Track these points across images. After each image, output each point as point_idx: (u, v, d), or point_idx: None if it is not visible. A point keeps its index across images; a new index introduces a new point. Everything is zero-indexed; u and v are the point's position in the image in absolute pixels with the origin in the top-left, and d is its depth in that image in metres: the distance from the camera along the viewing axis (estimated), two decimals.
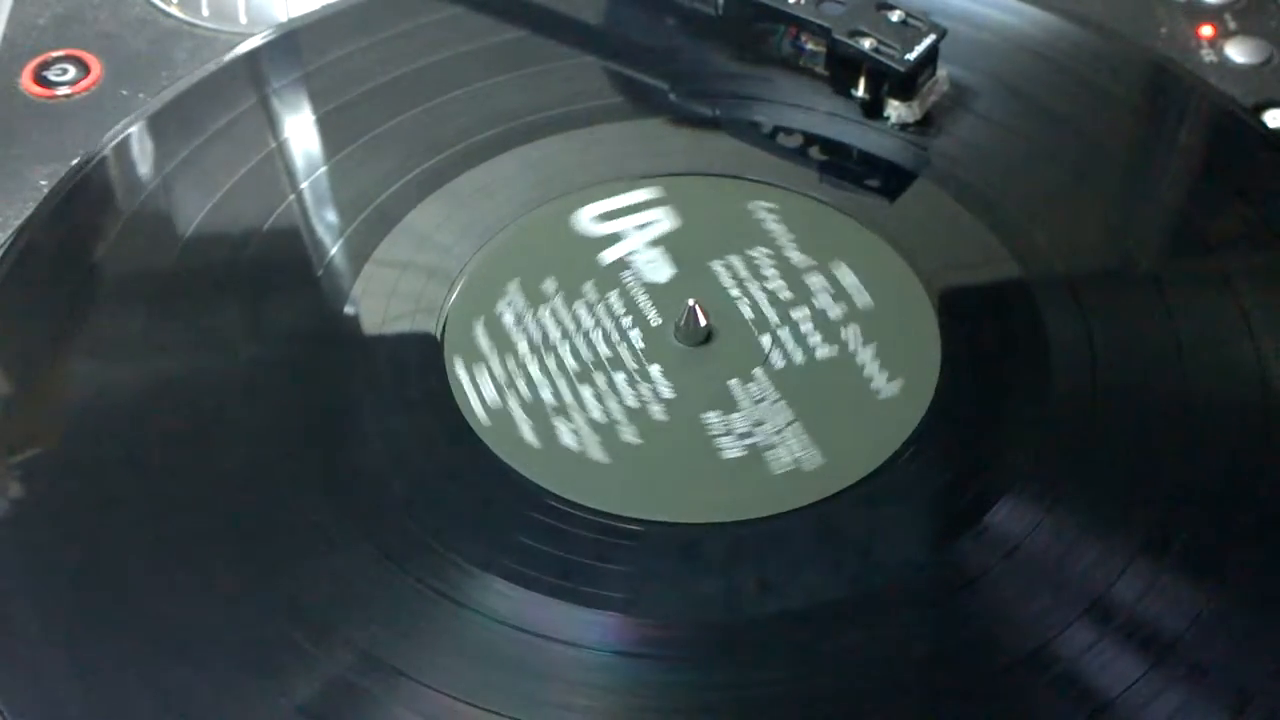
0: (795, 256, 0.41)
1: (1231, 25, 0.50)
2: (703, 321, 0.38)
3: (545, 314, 0.39)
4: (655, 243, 0.41)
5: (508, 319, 0.38)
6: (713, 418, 0.36)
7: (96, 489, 0.34)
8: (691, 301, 0.38)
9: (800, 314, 0.39)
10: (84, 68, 0.47)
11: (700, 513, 0.34)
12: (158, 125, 0.44)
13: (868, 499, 0.35)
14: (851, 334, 0.38)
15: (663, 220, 0.41)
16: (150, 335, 0.38)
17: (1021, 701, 0.31)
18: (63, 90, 0.46)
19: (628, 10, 0.49)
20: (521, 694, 0.31)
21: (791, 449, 0.36)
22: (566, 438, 0.36)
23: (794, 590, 0.33)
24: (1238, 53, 0.48)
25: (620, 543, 0.34)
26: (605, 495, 0.34)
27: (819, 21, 0.44)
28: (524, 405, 0.36)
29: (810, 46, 0.45)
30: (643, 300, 0.39)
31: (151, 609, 0.32)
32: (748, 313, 0.39)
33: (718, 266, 0.40)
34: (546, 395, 0.37)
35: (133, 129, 0.43)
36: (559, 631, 0.32)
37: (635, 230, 0.41)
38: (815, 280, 0.40)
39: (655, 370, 0.38)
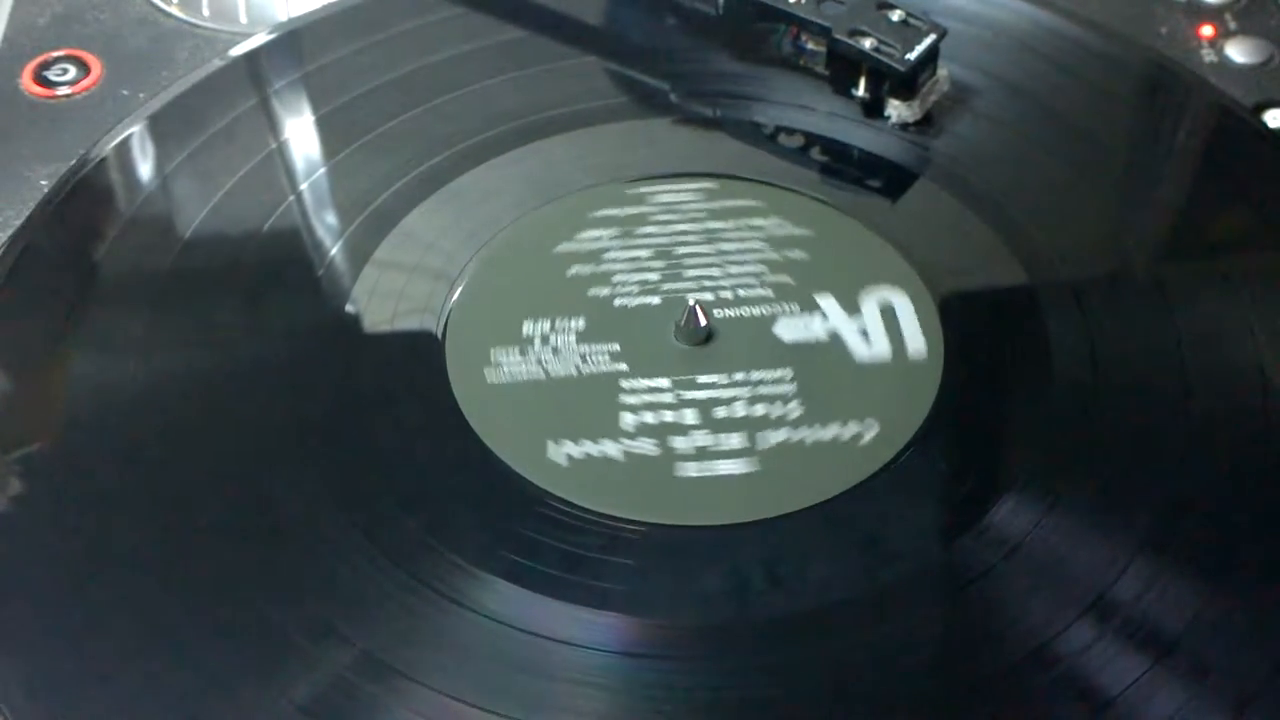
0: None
1: (1231, 25, 0.50)
2: (703, 321, 0.38)
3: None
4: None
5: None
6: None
7: (96, 488, 0.34)
8: (692, 301, 0.38)
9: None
10: (84, 68, 0.47)
11: (701, 513, 0.34)
12: (158, 125, 0.44)
13: (868, 499, 0.35)
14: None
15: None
16: (150, 335, 0.38)
17: (1021, 701, 0.31)
18: (63, 90, 0.46)
19: (628, 10, 0.49)
20: (521, 694, 0.31)
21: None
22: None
23: (795, 590, 0.33)
24: (1238, 53, 0.48)
25: (621, 543, 0.34)
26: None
27: (819, 21, 0.44)
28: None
29: (810, 46, 0.45)
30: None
31: (151, 609, 0.32)
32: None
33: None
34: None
35: (133, 129, 0.43)
36: (559, 631, 0.32)
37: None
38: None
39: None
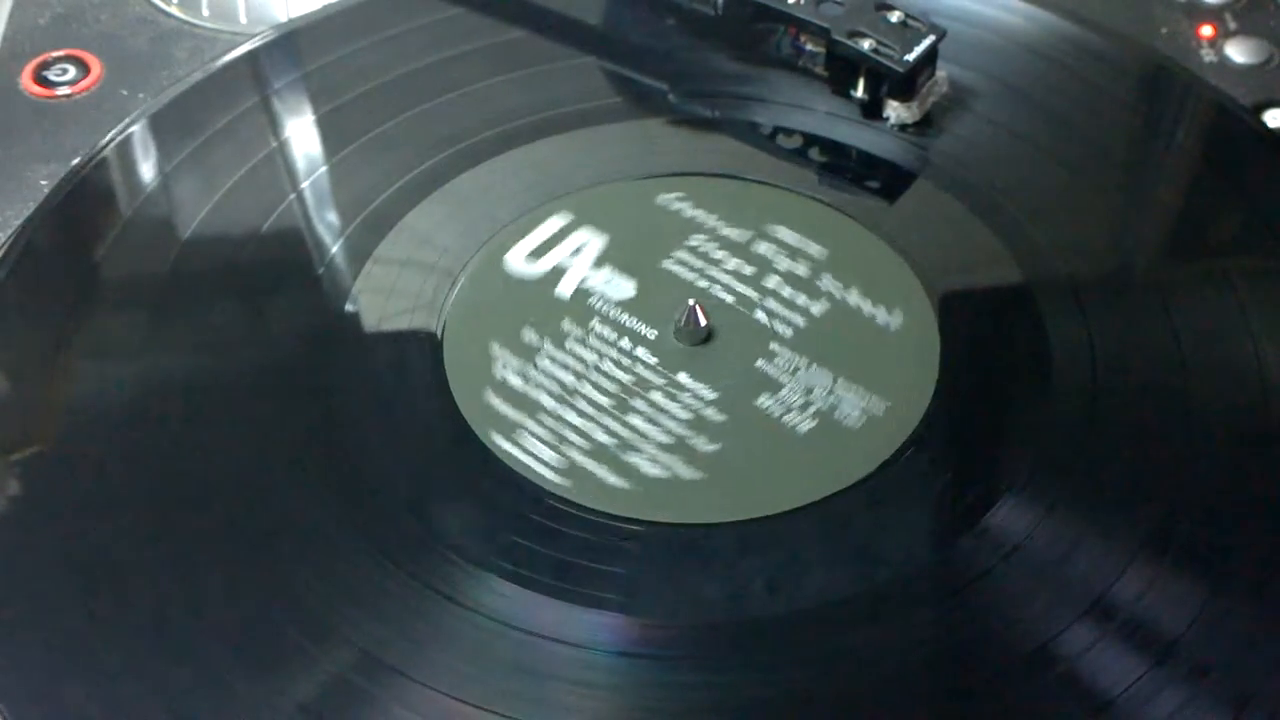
0: (785, 249, 0.41)
1: (1231, 25, 0.50)
2: (703, 321, 0.38)
3: (546, 364, 0.38)
4: (599, 263, 0.40)
5: (514, 381, 0.37)
6: (766, 399, 0.37)
7: (96, 489, 0.34)
8: (691, 301, 0.38)
9: (790, 292, 0.39)
10: (84, 68, 0.47)
11: (702, 513, 0.34)
12: (158, 125, 0.44)
13: (868, 499, 0.35)
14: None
15: (591, 239, 0.41)
16: (150, 334, 0.38)
17: (1021, 701, 0.31)
18: (63, 90, 0.46)
19: (627, 10, 0.49)
20: (521, 694, 0.31)
21: (853, 403, 0.36)
22: (648, 467, 0.35)
23: (794, 590, 0.33)
24: (1238, 53, 0.48)
25: (620, 543, 0.34)
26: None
27: (818, 22, 0.44)
28: (589, 453, 0.36)
29: (810, 47, 0.45)
30: (626, 319, 0.39)
31: (151, 609, 0.32)
32: (739, 303, 0.39)
33: (673, 265, 0.40)
34: (603, 437, 0.36)
35: (133, 129, 0.43)
36: (559, 631, 0.32)
37: (572, 258, 0.40)
38: (810, 275, 0.40)
39: (683, 377, 0.37)
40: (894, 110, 0.44)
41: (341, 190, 0.42)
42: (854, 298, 0.39)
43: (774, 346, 0.38)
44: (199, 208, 0.41)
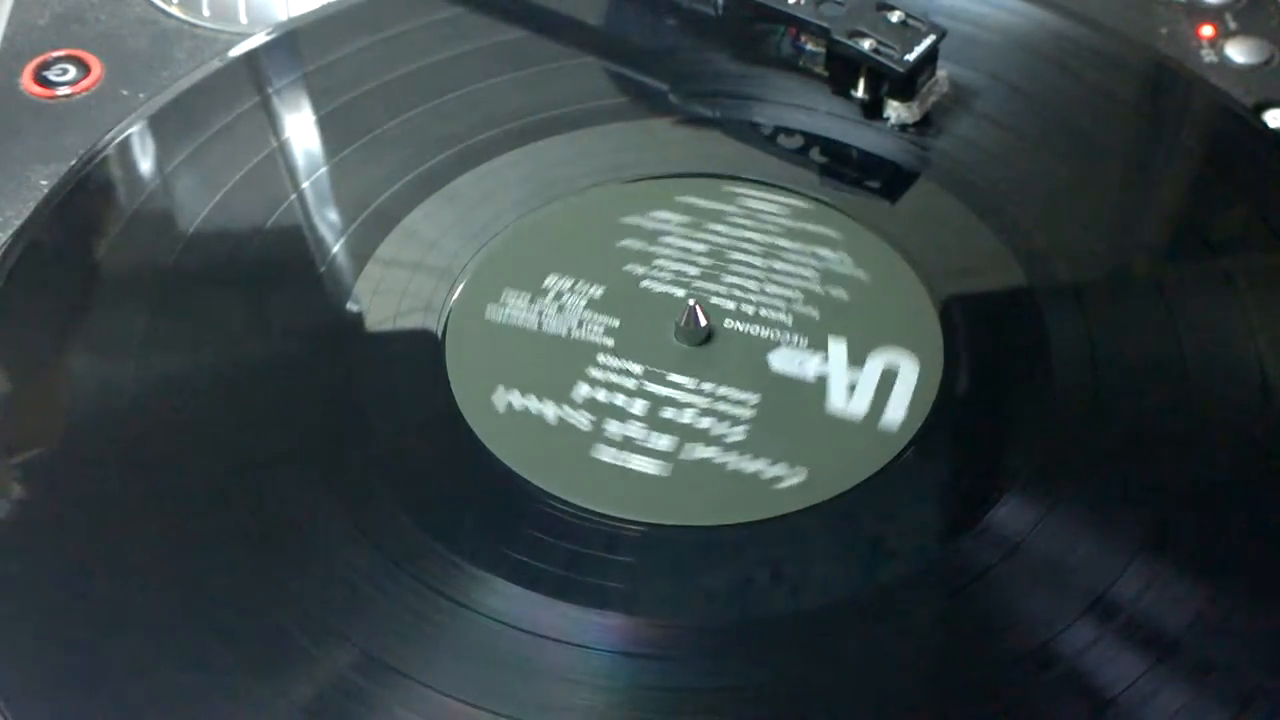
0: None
1: (1231, 25, 0.50)
2: (703, 321, 0.38)
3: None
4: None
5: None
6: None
7: (97, 488, 0.34)
8: (692, 302, 0.38)
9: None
10: (84, 68, 0.47)
11: (703, 514, 0.34)
12: (158, 125, 0.44)
13: (868, 499, 0.35)
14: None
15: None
16: (151, 335, 0.38)
17: (1022, 701, 0.31)
18: (63, 90, 0.46)
19: (627, 11, 0.49)
20: (521, 694, 0.31)
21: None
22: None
23: (795, 590, 0.33)
24: (1238, 53, 0.48)
25: (621, 543, 0.34)
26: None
27: (818, 22, 0.44)
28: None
29: (810, 47, 0.45)
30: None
31: (151, 609, 0.32)
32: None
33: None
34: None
35: (133, 129, 0.43)
36: (559, 631, 0.32)
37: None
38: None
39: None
40: (894, 110, 0.44)
41: (342, 190, 0.42)
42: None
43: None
44: (199, 208, 0.41)
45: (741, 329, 0.39)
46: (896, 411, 0.36)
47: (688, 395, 0.37)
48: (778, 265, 0.40)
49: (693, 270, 0.40)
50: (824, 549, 0.34)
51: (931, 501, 0.35)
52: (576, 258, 0.40)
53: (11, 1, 0.50)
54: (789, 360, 0.38)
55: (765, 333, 0.39)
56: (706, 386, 0.37)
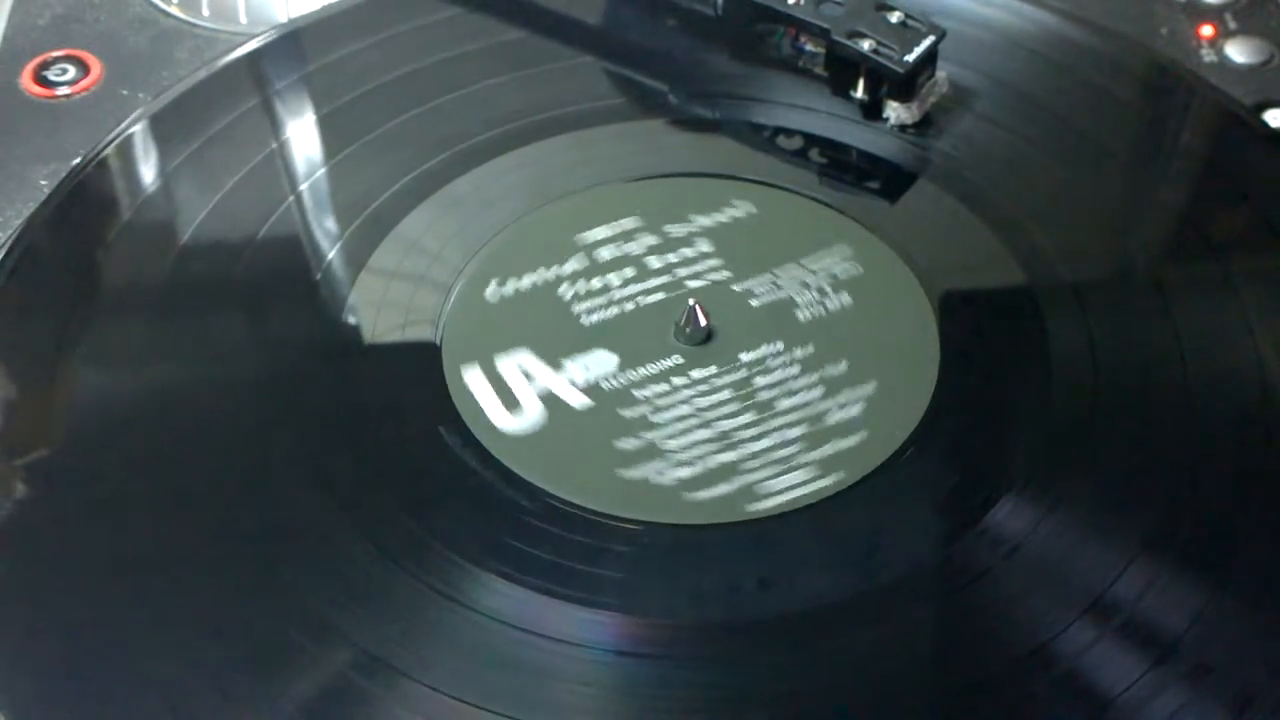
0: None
1: (1231, 25, 0.50)
2: (703, 321, 0.38)
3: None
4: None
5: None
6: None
7: (97, 490, 0.34)
8: (692, 301, 0.38)
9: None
10: (84, 68, 0.47)
11: (701, 513, 0.34)
12: (158, 125, 0.44)
13: (868, 499, 0.35)
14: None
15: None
16: (150, 336, 0.38)
17: (1021, 701, 0.31)
18: (63, 90, 0.46)
19: (627, 11, 0.49)
20: (521, 694, 0.31)
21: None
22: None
23: (794, 590, 0.33)
24: (1238, 53, 0.48)
25: (619, 542, 0.34)
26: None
27: (818, 23, 0.44)
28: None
29: (809, 48, 0.45)
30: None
31: (152, 609, 0.32)
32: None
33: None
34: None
35: (133, 129, 0.43)
36: (559, 631, 0.32)
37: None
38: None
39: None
40: (894, 111, 0.44)
41: (341, 191, 0.42)
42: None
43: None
44: (199, 208, 0.41)
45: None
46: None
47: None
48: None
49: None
50: (823, 549, 0.34)
51: (931, 501, 0.35)
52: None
53: (11, 1, 0.50)
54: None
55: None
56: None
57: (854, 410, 0.36)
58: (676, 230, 0.41)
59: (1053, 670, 0.31)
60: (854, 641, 0.32)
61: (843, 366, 0.38)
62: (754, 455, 0.36)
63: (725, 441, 0.36)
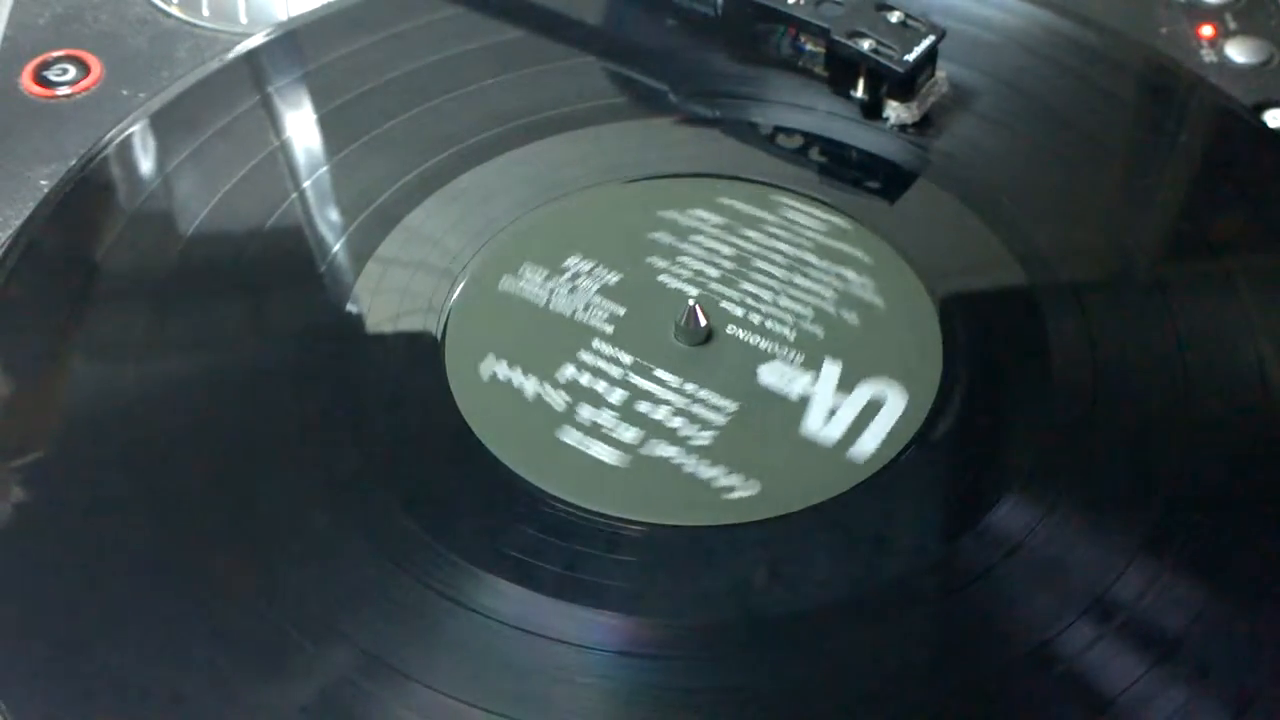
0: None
1: (1231, 25, 0.50)
2: (703, 321, 0.38)
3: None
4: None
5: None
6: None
7: (97, 489, 0.34)
8: (692, 301, 0.38)
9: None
10: (84, 68, 0.47)
11: (701, 514, 0.34)
12: (158, 125, 0.44)
13: (868, 499, 0.35)
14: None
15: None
16: (151, 335, 0.38)
17: (1021, 701, 0.31)
18: (63, 90, 0.46)
19: (627, 11, 0.49)
20: (521, 694, 0.31)
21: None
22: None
23: (795, 591, 0.33)
24: (1238, 53, 0.48)
25: (621, 543, 0.34)
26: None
27: (818, 22, 0.44)
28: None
29: (809, 47, 0.45)
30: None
31: (151, 609, 0.32)
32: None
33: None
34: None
35: (133, 129, 0.43)
36: (559, 631, 0.32)
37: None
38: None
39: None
40: (894, 110, 0.44)
41: (342, 190, 0.42)
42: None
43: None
44: (199, 208, 0.41)
45: (742, 337, 0.39)
46: (868, 443, 0.36)
47: (667, 393, 0.37)
48: (798, 281, 0.40)
49: (713, 271, 0.40)
50: (824, 549, 0.34)
51: (931, 501, 0.35)
52: (605, 244, 0.41)
53: (11, 1, 0.50)
54: (778, 374, 0.38)
55: (764, 345, 0.38)
56: (689, 387, 0.37)
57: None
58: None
59: (1053, 670, 0.31)
60: (854, 641, 0.32)
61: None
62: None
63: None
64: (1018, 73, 0.46)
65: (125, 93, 0.47)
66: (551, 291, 0.39)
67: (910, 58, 0.43)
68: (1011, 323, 0.39)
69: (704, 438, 0.36)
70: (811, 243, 0.41)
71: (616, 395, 0.37)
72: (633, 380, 0.37)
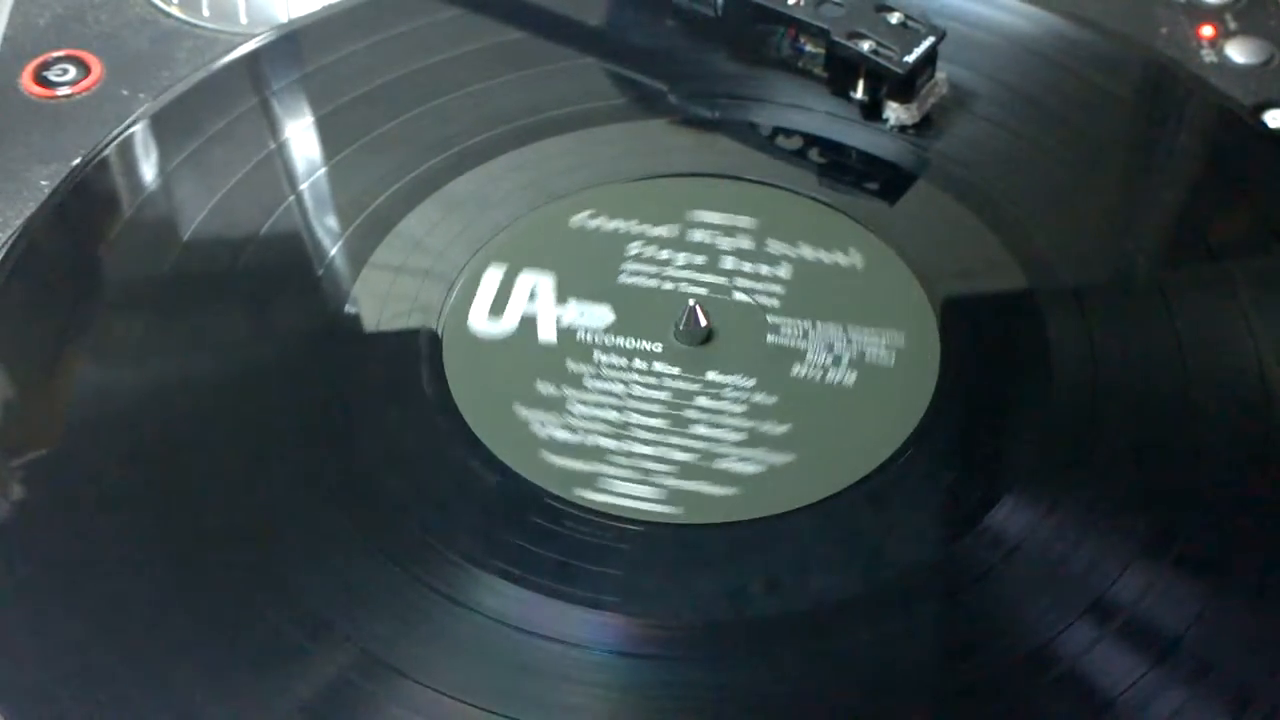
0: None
1: (1231, 25, 0.50)
2: (704, 321, 0.38)
3: (580, 409, 0.37)
4: (563, 300, 0.40)
5: (562, 435, 0.36)
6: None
7: (97, 489, 0.34)
8: (691, 302, 0.38)
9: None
10: (84, 68, 0.47)
11: (701, 513, 0.34)
12: (158, 126, 0.44)
13: (868, 499, 0.35)
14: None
15: (543, 279, 0.40)
16: (150, 335, 0.38)
17: (1021, 701, 0.31)
18: (63, 90, 0.46)
19: (627, 11, 0.49)
20: (521, 694, 0.31)
21: (876, 344, 0.36)
22: (741, 467, 0.35)
23: (794, 590, 0.33)
24: (1238, 53, 0.48)
25: (620, 542, 0.34)
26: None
27: (818, 23, 0.44)
28: (680, 475, 0.35)
29: (809, 48, 0.45)
30: (624, 341, 0.39)
31: (151, 609, 0.32)
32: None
33: (631, 278, 0.40)
34: (682, 456, 0.36)
35: (133, 129, 0.43)
36: (559, 631, 0.32)
37: (531, 302, 0.40)
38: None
39: (712, 375, 0.38)
40: (894, 111, 0.44)
41: (341, 191, 0.42)
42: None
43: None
44: (199, 208, 0.41)
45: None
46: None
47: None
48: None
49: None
50: (823, 549, 0.34)
51: (931, 502, 0.35)
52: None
53: (11, 1, 0.50)
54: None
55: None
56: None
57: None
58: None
59: (1053, 670, 0.31)
60: (854, 641, 0.32)
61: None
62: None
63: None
64: (1017, 73, 0.46)
65: (125, 93, 0.47)
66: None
67: (910, 59, 0.43)
68: (1011, 323, 0.39)
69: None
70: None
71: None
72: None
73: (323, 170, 0.43)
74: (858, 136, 0.44)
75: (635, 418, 0.37)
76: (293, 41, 0.47)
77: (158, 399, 0.37)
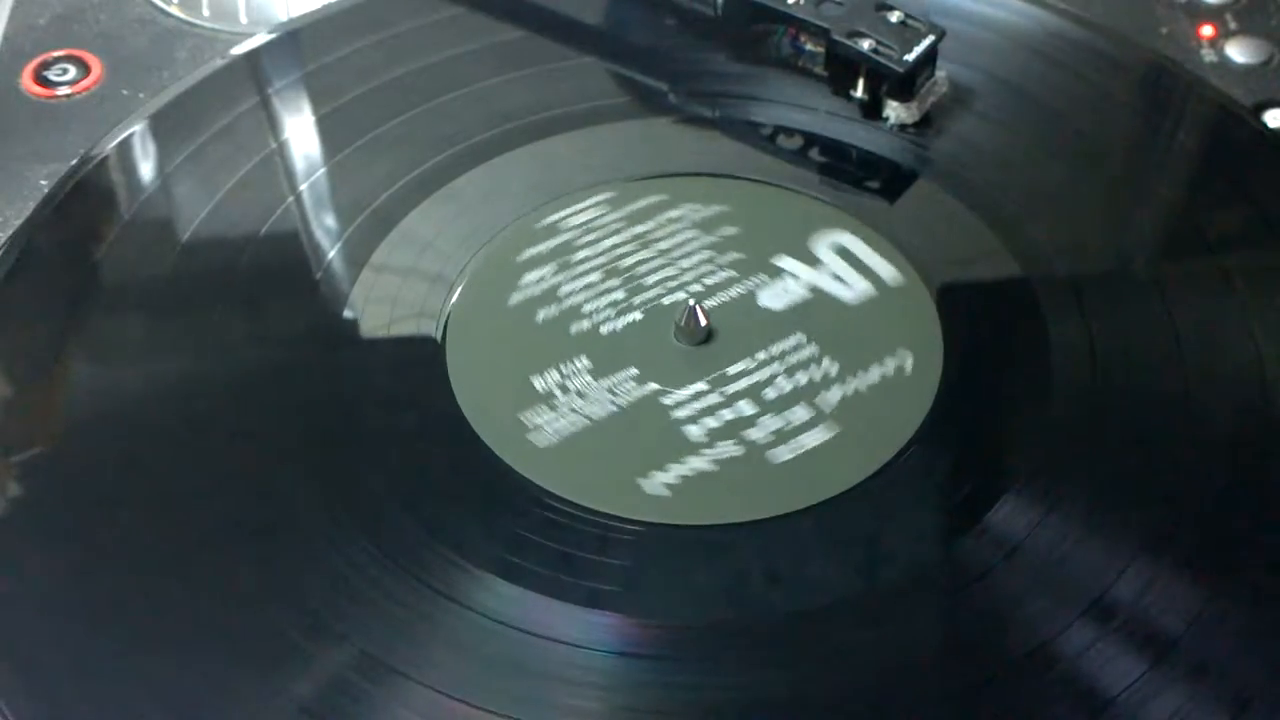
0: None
1: (1232, 25, 0.50)
2: (703, 321, 0.38)
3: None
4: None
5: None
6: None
7: (96, 489, 0.34)
8: (691, 302, 0.38)
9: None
10: (84, 68, 0.47)
11: (701, 513, 0.34)
12: (158, 125, 0.44)
13: (868, 499, 0.35)
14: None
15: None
16: (150, 335, 0.38)
17: (1021, 701, 0.31)
18: (63, 90, 0.46)
19: (627, 11, 0.49)
20: (521, 694, 0.31)
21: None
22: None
23: (794, 590, 0.33)
24: (1238, 53, 0.48)
25: (620, 542, 0.34)
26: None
27: (818, 22, 0.44)
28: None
29: (809, 47, 0.45)
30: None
31: (151, 609, 0.32)
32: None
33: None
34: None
35: (133, 129, 0.43)
36: (559, 631, 0.32)
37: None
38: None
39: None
40: (894, 110, 0.44)
41: (341, 191, 0.42)
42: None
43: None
44: (199, 208, 0.41)
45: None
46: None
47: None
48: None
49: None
50: (823, 549, 0.34)
51: (931, 501, 0.35)
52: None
53: (11, 1, 0.50)
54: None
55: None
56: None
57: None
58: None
59: (1053, 670, 0.31)
60: (854, 641, 0.32)
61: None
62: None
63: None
64: (1018, 73, 0.46)
65: (125, 93, 0.47)
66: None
67: (910, 58, 0.43)
68: (1011, 323, 0.39)
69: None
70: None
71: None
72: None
73: (322, 170, 0.43)
74: (858, 135, 0.44)
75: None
76: (293, 41, 0.47)
77: (157, 399, 0.37)
